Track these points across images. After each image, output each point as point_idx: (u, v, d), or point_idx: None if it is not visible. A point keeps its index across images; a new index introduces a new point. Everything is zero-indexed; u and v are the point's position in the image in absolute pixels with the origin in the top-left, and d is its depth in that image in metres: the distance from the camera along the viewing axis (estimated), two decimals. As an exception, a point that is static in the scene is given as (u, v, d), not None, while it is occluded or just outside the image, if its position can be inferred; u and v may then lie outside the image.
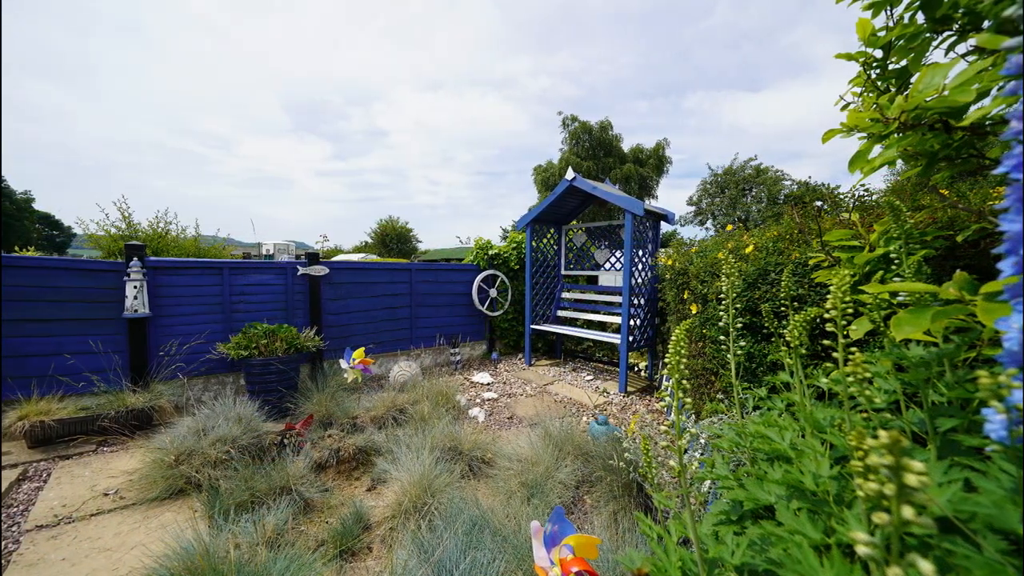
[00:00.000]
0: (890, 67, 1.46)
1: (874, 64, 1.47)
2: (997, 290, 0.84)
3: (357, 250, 37.46)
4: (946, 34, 1.29)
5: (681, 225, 31.78)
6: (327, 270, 5.41)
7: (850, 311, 0.97)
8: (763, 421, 1.35)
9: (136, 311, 4.14)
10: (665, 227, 6.23)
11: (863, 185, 2.81)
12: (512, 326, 7.58)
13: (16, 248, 8.56)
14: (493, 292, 7.11)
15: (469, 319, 7.17)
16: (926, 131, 1.18)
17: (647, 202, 5.18)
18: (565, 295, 7.08)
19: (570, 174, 5.74)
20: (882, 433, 0.50)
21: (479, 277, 6.94)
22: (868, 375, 0.83)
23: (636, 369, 6.43)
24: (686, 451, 0.91)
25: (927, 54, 1.34)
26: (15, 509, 2.73)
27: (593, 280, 8.11)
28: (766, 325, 2.03)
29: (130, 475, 3.09)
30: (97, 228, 7.53)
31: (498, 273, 7.21)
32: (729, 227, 4.16)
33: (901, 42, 1.36)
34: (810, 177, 26.63)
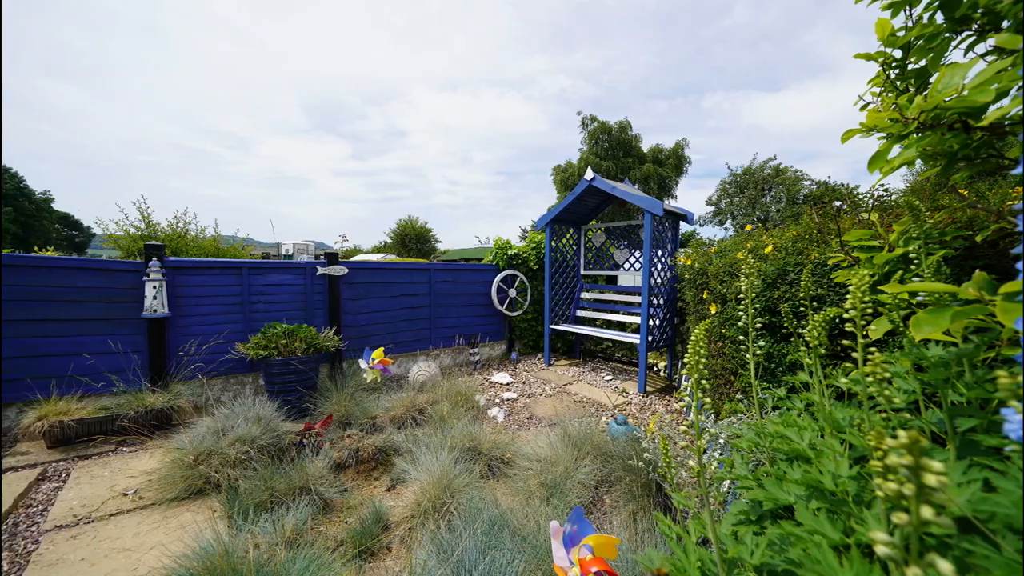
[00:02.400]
0: (909, 67, 1.45)
1: (893, 64, 1.46)
2: (1016, 290, 0.84)
3: (376, 250, 37.65)
4: (965, 34, 1.29)
5: (700, 225, 31.51)
6: (346, 270, 5.46)
7: (869, 311, 0.97)
8: (782, 421, 1.35)
9: (155, 311, 4.17)
10: (684, 227, 6.19)
11: (882, 185, 2.77)
12: (531, 326, 7.58)
13: (35, 248, 8.77)
14: (512, 292, 7.12)
15: (488, 319, 7.18)
16: (945, 131, 1.17)
17: (666, 202, 5.15)
18: (584, 295, 7.06)
19: (589, 174, 5.73)
20: (901, 433, 0.51)
21: (498, 277, 6.95)
22: (887, 375, 0.83)
23: (655, 369, 6.39)
24: (705, 451, 0.92)
25: (946, 54, 1.34)
26: (34, 509, 2.76)
27: (612, 280, 8.08)
28: (785, 325, 2.02)
29: (149, 475, 3.12)
30: (116, 228, 7.67)
31: (517, 273, 7.22)
32: (748, 227, 4.12)
33: (920, 42, 1.35)
34: (829, 177, 26.20)
